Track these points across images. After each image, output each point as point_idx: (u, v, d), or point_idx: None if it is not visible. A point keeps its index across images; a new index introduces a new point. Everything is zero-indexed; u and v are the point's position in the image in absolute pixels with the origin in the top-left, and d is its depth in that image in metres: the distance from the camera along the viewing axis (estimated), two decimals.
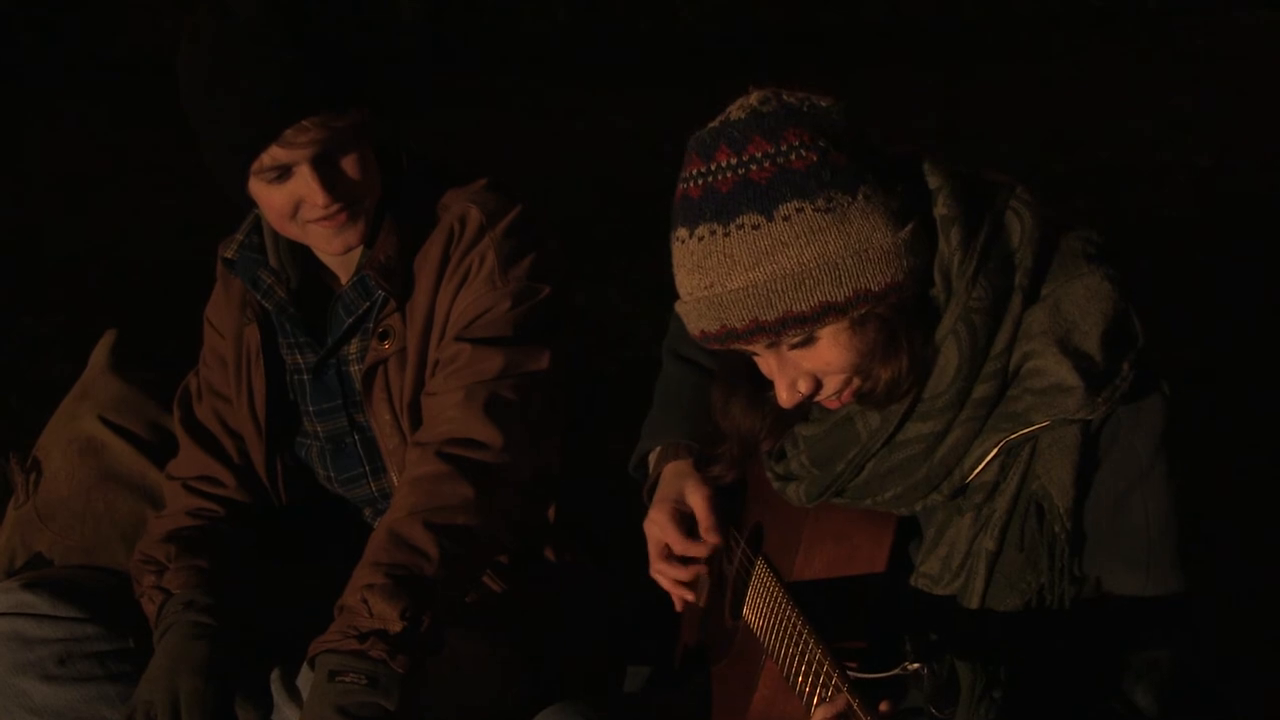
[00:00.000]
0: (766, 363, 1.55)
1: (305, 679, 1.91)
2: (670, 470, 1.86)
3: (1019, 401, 1.51)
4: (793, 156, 1.44)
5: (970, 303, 1.50)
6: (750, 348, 1.52)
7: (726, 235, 1.46)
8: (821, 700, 1.43)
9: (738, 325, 1.48)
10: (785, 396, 1.55)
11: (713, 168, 1.48)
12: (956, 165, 1.56)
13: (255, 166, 1.90)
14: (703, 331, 1.52)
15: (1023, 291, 1.51)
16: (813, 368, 1.53)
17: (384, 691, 1.78)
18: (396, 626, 1.80)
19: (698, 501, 1.80)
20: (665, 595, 1.89)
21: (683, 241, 1.51)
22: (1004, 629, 1.54)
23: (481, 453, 1.93)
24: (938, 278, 1.50)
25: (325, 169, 1.91)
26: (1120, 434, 1.51)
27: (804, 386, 1.54)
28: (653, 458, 1.93)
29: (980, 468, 1.54)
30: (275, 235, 2.08)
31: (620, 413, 2.47)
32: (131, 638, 2.12)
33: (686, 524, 1.81)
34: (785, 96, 1.49)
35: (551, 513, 2.20)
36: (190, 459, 2.20)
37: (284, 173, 1.91)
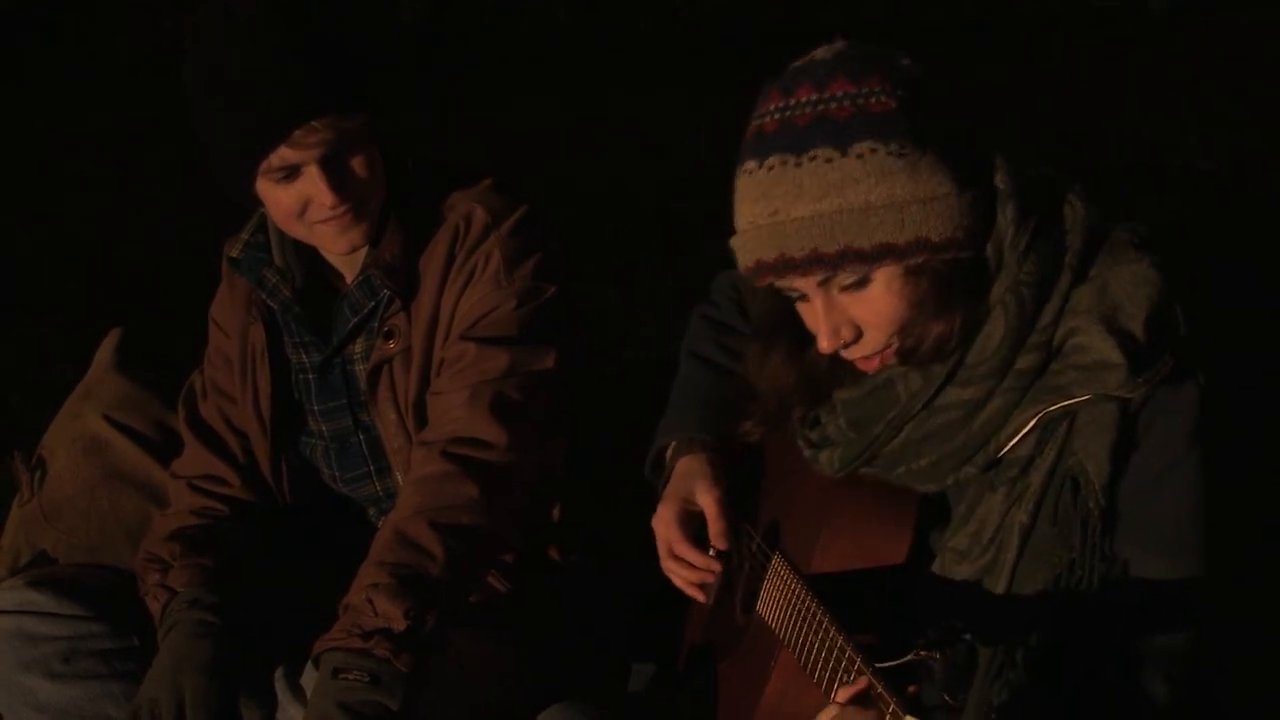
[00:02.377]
0: (812, 307, 1.56)
1: (309, 678, 1.91)
2: (683, 465, 1.86)
3: (1061, 376, 1.52)
4: (873, 100, 1.48)
5: (1021, 275, 1.52)
6: (802, 283, 1.54)
7: (798, 165, 1.49)
8: (842, 684, 1.43)
9: (796, 255, 1.50)
10: (826, 343, 1.56)
11: (792, 103, 1.51)
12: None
13: (263, 167, 1.90)
14: (758, 261, 1.54)
15: (1072, 270, 1.54)
16: (859, 315, 1.54)
17: (387, 690, 1.78)
18: (401, 625, 1.81)
19: (708, 504, 1.80)
20: (669, 594, 1.89)
21: (750, 173, 1.53)
22: (1029, 604, 1.54)
23: (487, 452, 1.94)
24: (990, 249, 1.53)
25: (333, 169, 1.92)
26: (1157, 419, 1.52)
27: (846, 333, 1.55)
28: (668, 454, 1.93)
29: (1016, 440, 1.55)
30: (281, 234, 2.08)
31: (621, 412, 2.47)
32: (136, 636, 2.13)
33: (694, 523, 1.81)
34: (871, 48, 1.53)
35: (556, 512, 2.20)
36: (195, 458, 2.20)
37: (292, 173, 1.91)
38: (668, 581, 1.89)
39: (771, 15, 9.67)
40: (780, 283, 1.55)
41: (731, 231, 1.58)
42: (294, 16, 1.91)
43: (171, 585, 2.07)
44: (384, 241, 2.02)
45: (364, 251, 2.04)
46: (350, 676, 1.78)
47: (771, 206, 1.50)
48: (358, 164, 1.95)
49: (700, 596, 1.85)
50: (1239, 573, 1.63)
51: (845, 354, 1.59)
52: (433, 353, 2.04)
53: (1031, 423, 1.53)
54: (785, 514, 1.80)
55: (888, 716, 1.33)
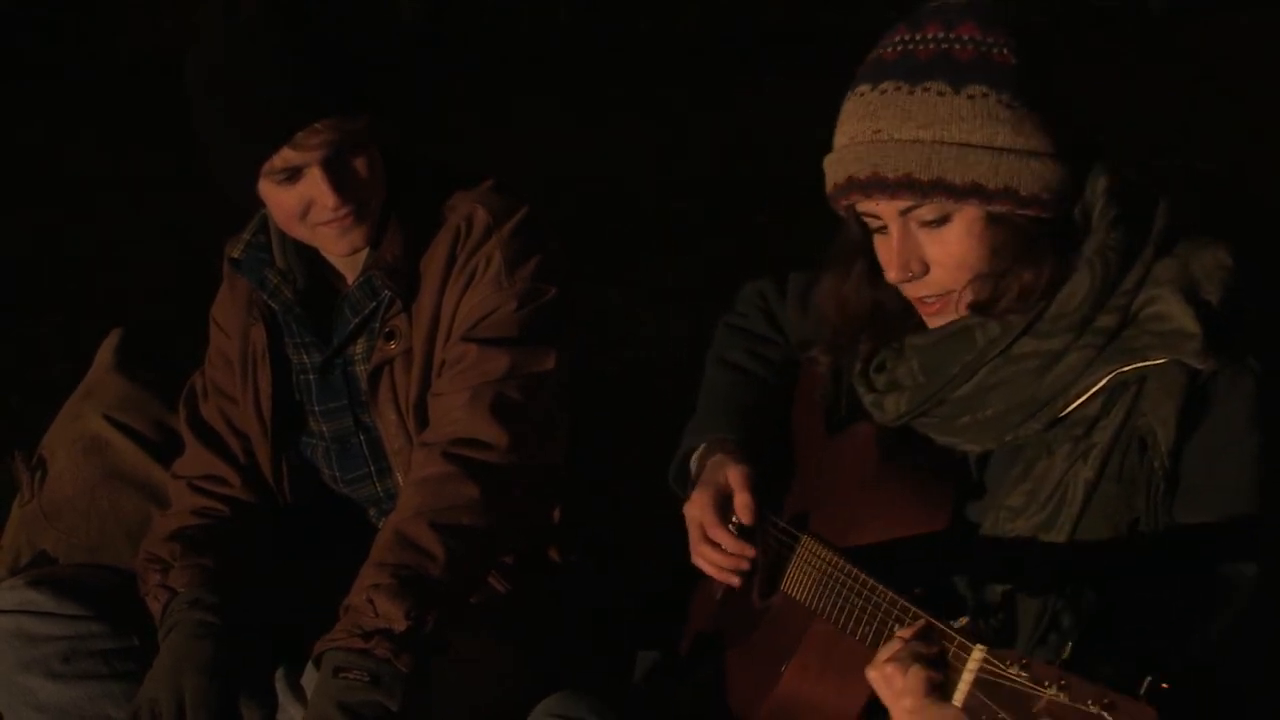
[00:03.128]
0: (888, 240, 1.60)
1: (310, 678, 1.91)
2: (714, 462, 1.87)
3: (1137, 340, 1.56)
4: (995, 51, 1.54)
5: (1109, 240, 1.57)
6: (887, 207, 1.57)
7: (910, 94, 1.54)
8: (891, 634, 1.44)
9: (890, 175, 1.54)
10: (895, 273, 1.60)
11: (918, 37, 1.57)
12: None
13: (266, 168, 1.90)
14: (850, 178, 1.58)
15: (1155, 245, 1.58)
16: (933, 254, 1.59)
17: (387, 690, 1.78)
18: (401, 626, 1.81)
19: (735, 477, 1.80)
20: (672, 591, 1.88)
21: (861, 95, 1.59)
22: (1087, 559, 1.56)
23: (487, 453, 1.94)
24: (1078, 215, 1.58)
25: (335, 171, 1.92)
26: (1222, 397, 1.55)
27: (915, 267, 1.59)
28: (695, 457, 1.93)
29: (1085, 398, 1.57)
30: (282, 235, 2.08)
31: (621, 412, 2.47)
32: (136, 636, 2.13)
33: (728, 509, 1.81)
34: (1006, 5, 1.59)
35: (556, 513, 2.20)
36: (195, 458, 2.20)
37: (294, 174, 1.91)
38: (672, 578, 1.89)
39: (771, 15, 9.66)
40: (865, 204, 1.59)
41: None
42: (295, 17, 1.91)
43: (172, 585, 2.07)
44: (385, 242, 2.03)
45: (365, 252, 2.04)
46: (350, 676, 1.78)
47: (876, 125, 1.55)
48: (359, 165, 1.95)
49: (734, 581, 1.82)
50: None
51: (908, 289, 1.63)
52: (434, 354, 2.04)
53: (1103, 381, 1.56)
54: (815, 507, 1.79)
55: (952, 649, 1.34)
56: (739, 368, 1.98)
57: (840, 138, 1.61)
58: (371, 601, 1.82)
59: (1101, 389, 1.57)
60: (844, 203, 1.63)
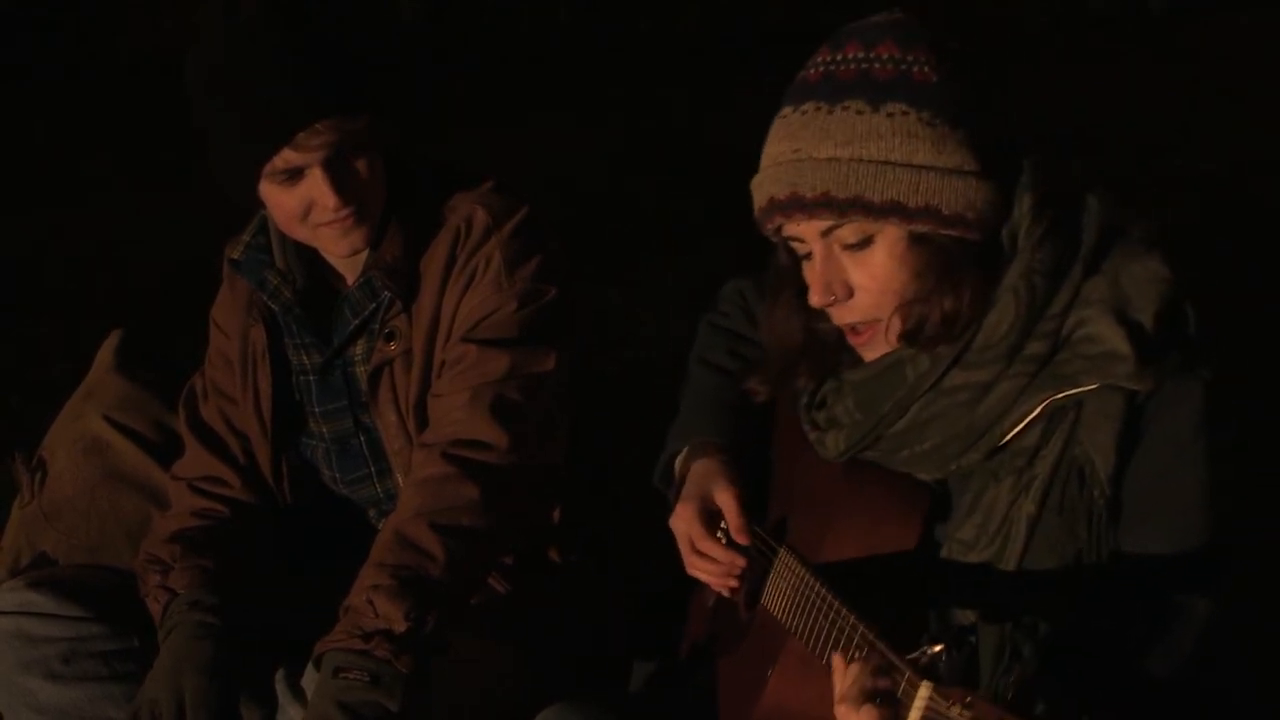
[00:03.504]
0: (812, 264, 1.59)
1: (310, 679, 1.91)
2: (699, 467, 1.86)
3: (1069, 365, 1.53)
4: (915, 69, 1.52)
5: (1034, 263, 1.54)
6: (808, 228, 1.56)
7: (830, 113, 1.53)
8: (855, 659, 1.44)
9: (808, 194, 1.53)
10: (818, 297, 1.59)
11: (839, 58, 1.56)
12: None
13: (267, 169, 1.90)
14: (771, 199, 1.57)
15: (1084, 263, 1.55)
16: (856, 278, 1.57)
17: (387, 691, 1.78)
18: (401, 627, 1.81)
19: (727, 501, 1.80)
20: (670, 593, 1.89)
21: (784, 117, 1.58)
22: (1037, 594, 1.55)
23: (487, 454, 1.94)
24: (1005, 238, 1.55)
25: (336, 171, 1.92)
26: (1163, 413, 1.53)
27: (838, 290, 1.58)
28: (679, 460, 1.93)
29: (1021, 427, 1.55)
30: (282, 236, 2.08)
31: (621, 413, 2.47)
32: (136, 637, 2.13)
33: (713, 521, 1.81)
34: (927, 22, 1.57)
35: (556, 513, 2.20)
36: (195, 459, 2.20)
37: (295, 175, 1.91)
38: (672, 578, 1.88)
39: (772, 16, 9.67)
40: (788, 226, 1.58)
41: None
42: (295, 17, 1.91)
43: (172, 586, 2.07)
44: (385, 243, 2.02)
45: (365, 253, 2.04)
46: (351, 677, 1.78)
47: (795, 145, 1.54)
48: (360, 166, 1.95)
49: (734, 585, 1.82)
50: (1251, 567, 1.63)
51: (835, 316, 1.61)
52: (433, 354, 2.04)
53: (1037, 409, 1.54)
54: (792, 512, 1.80)
55: (903, 684, 1.34)
56: (721, 368, 1.97)
57: (764, 160, 1.59)
58: (371, 602, 1.82)
59: (1038, 417, 1.55)
60: (769, 226, 1.61)
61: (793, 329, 1.71)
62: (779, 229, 1.61)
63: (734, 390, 1.91)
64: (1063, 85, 7.99)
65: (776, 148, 1.57)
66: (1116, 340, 1.50)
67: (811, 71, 1.58)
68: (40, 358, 4.59)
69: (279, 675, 2.08)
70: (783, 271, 1.70)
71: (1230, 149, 6.44)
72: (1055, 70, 8.39)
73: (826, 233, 1.55)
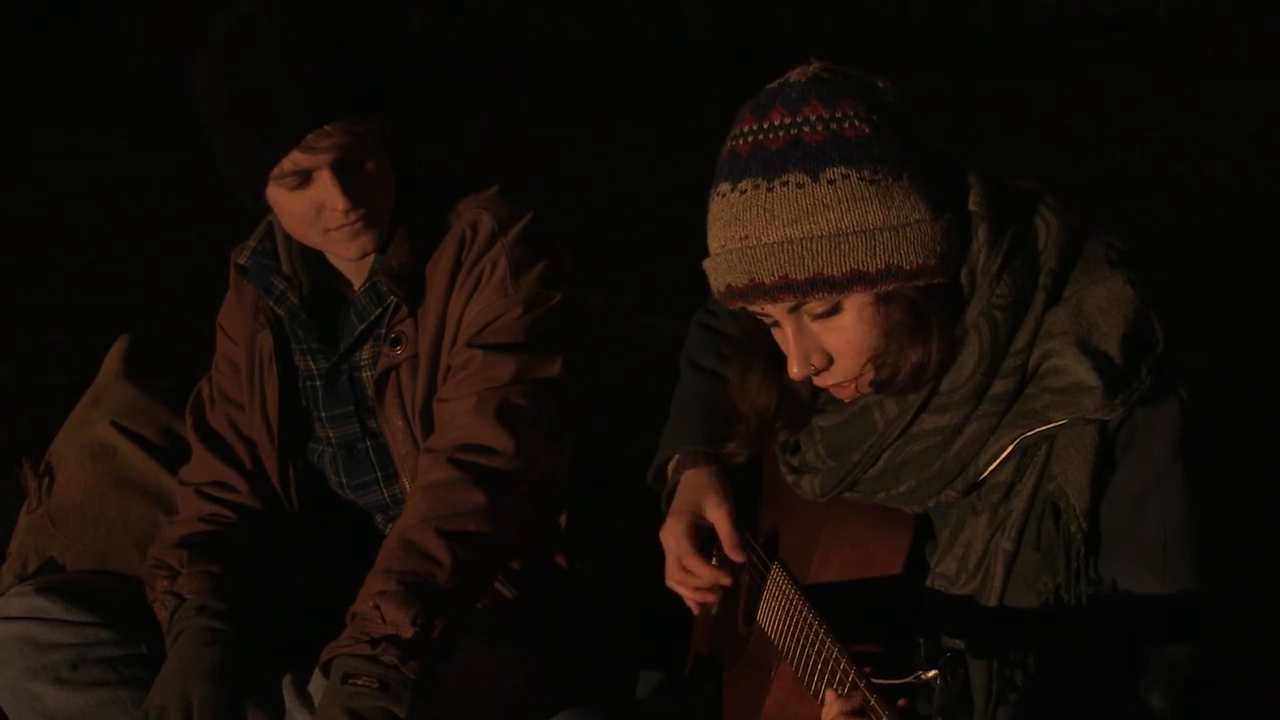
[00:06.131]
0: (784, 332, 1.55)
1: (317, 684, 1.91)
2: (689, 478, 1.85)
3: (1037, 399, 1.51)
4: (846, 125, 1.46)
5: (994, 299, 1.51)
6: (773, 309, 1.52)
7: (770, 190, 1.46)
8: (838, 698, 1.43)
9: (766, 280, 1.48)
10: (796, 369, 1.54)
11: (765, 126, 1.49)
12: (987, 170, 1.57)
13: (275, 172, 1.90)
14: (729, 286, 1.52)
15: (1045, 291, 1.52)
16: (831, 344, 1.53)
17: (395, 697, 1.78)
18: (408, 633, 1.81)
19: (719, 518, 1.78)
20: (677, 601, 1.88)
21: (723, 195, 1.51)
22: (1021, 629, 1.54)
23: (493, 459, 1.94)
24: (964, 274, 1.51)
25: (346, 174, 1.92)
26: (1137, 437, 1.51)
27: (817, 360, 1.54)
28: (670, 466, 1.92)
29: (995, 465, 1.54)
30: (288, 242, 2.09)
31: (625, 420, 2.47)
32: (144, 643, 2.13)
33: (703, 536, 1.80)
34: (846, 71, 1.51)
35: (562, 519, 2.20)
36: (203, 465, 2.21)
37: (304, 178, 1.91)
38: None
39: (774, 16, 9.69)
40: (752, 308, 1.54)
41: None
42: (304, 21, 1.91)
43: (179, 592, 2.07)
44: (391, 248, 2.03)
45: (371, 258, 2.05)
46: (359, 683, 1.78)
47: (743, 231, 1.48)
48: (369, 169, 1.95)
49: (709, 599, 1.82)
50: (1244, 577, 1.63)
51: (817, 381, 1.58)
52: (439, 359, 2.04)
53: (1009, 448, 1.53)
54: (784, 523, 1.79)
55: None
56: (710, 372, 1.96)
57: (713, 243, 1.53)
58: (379, 608, 1.82)
59: (1011, 453, 1.53)
60: (732, 306, 1.56)
61: (768, 394, 1.68)
62: (743, 307, 1.57)
63: (722, 395, 1.89)
64: (1070, 90, 8.00)
65: (724, 232, 1.50)
66: (1082, 372, 1.47)
67: (739, 143, 1.51)
68: (48, 365, 4.60)
69: (286, 681, 2.08)
70: (751, 338, 1.67)
71: (1237, 153, 6.44)
72: (1062, 76, 8.39)
73: (794, 309, 1.52)
